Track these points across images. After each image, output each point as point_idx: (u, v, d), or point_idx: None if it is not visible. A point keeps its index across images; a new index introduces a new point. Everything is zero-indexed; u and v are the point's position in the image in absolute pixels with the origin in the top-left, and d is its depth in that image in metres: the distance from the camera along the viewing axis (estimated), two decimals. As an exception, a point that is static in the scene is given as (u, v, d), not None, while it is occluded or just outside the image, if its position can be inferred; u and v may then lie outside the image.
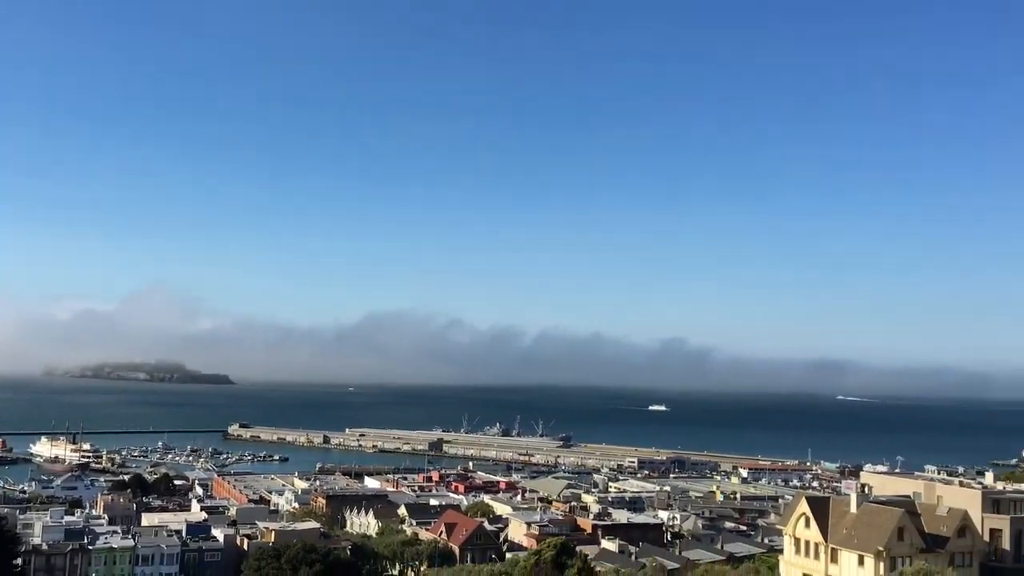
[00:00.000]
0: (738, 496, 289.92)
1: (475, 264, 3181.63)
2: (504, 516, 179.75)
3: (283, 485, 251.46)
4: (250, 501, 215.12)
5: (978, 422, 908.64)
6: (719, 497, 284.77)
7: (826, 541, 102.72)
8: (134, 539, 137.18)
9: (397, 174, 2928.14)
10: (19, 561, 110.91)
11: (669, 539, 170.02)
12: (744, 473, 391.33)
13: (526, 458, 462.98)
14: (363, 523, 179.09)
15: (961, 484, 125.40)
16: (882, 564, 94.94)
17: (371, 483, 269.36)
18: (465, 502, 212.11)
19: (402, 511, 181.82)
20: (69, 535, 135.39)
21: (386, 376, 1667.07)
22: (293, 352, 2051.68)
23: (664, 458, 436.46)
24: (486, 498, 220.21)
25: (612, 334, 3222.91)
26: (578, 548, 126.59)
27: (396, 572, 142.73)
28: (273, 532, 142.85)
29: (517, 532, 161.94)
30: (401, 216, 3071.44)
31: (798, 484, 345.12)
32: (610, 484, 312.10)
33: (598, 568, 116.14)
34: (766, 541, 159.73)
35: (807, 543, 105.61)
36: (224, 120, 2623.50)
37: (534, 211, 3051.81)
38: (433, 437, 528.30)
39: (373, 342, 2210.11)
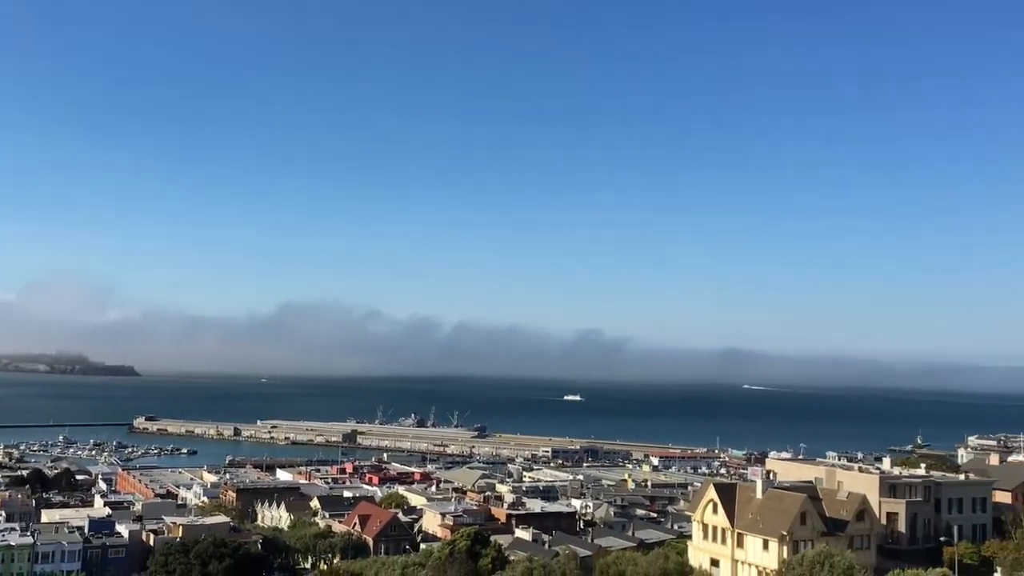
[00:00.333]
0: (649, 484, 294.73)
1: (394, 255, 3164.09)
2: (419, 507, 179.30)
3: (191, 479, 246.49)
4: (157, 496, 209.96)
5: (877, 410, 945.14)
6: (631, 485, 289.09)
7: (733, 526, 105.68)
8: (33, 536, 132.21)
9: (310, 164, 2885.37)
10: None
11: (582, 527, 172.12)
12: (655, 461, 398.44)
13: (441, 449, 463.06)
14: (275, 516, 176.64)
15: (860, 470, 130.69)
16: (785, 548, 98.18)
17: (283, 475, 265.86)
18: (379, 493, 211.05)
19: (315, 503, 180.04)
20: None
21: (301, 367, 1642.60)
22: (204, 343, 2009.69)
23: (577, 447, 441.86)
24: (400, 489, 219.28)
25: (529, 325, 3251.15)
26: (492, 537, 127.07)
27: (308, 565, 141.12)
28: (181, 527, 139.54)
29: (431, 523, 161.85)
30: (317, 207, 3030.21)
31: (707, 471, 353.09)
32: (524, 474, 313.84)
33: (512, 557, 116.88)
34: (676, 527, 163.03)
35: (715, 528, 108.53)
36: (134, 108, 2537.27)
37: (452, 203, 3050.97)
38: (347, 428, 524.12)
39: (289, 333, 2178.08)
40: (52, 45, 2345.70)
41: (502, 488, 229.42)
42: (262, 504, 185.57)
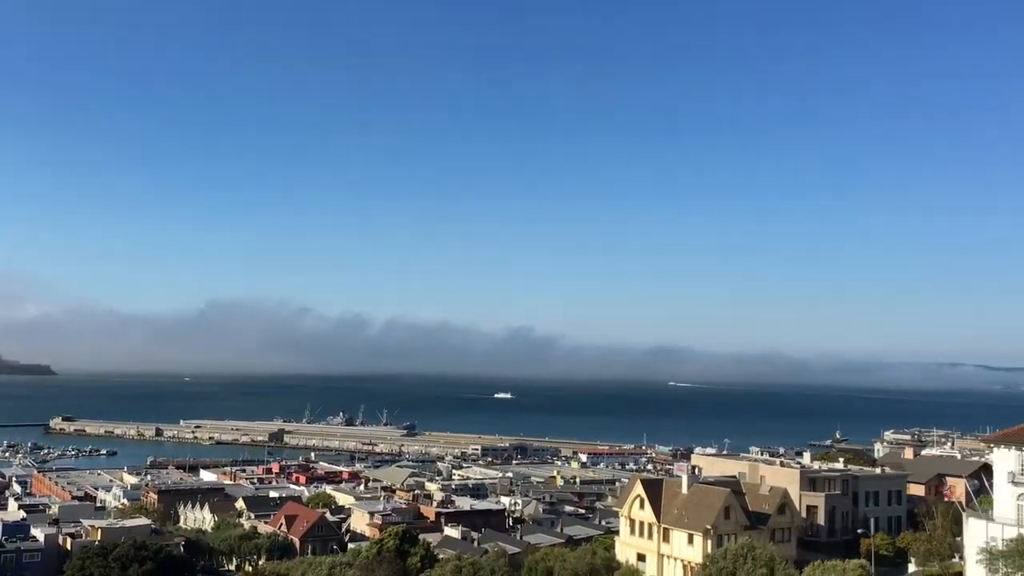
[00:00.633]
0: (577, 480, 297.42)
1: (325, 252, 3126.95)
2: (347, 506, 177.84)
3: (111, 481, 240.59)
4: (74, 498, 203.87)
5: (798, 406, 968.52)
6: (559, 482, 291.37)
7: (659, 521, 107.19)
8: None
9: (236, 158, 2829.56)
10: None
11: (511, 524, 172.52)
12: (583, 458, 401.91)
13: (370, 447, 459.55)
14: (198, 518, 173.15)
15: (782, 464, 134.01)
16: (709, 542, 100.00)
17: (207, 476, 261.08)
18: (306, 493, 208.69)
19: (240, 504, 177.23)
20: None
21: (228, 366, 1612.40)
22: (128, 341, 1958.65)
23: (507, 445, 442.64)
24: (328, 489, 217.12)
25: (460, 322, 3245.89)
26: (421, 536, 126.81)
27: (233, 567, 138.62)
28: (100, 530, 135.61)
29: (360, 522, 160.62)
30: (245, 203, 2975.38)
31: (634, 467, 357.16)
32: (454, 472, 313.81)
33: (440, 555, 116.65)
34: (603, 523, 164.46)
35: (642, 524, 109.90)
36: (60, 104, 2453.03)
37: (382, 199, 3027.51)
38: (274, 428, 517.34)
39: (216, 331, 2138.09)
40: None
41: (431, 486, 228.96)
42: (185, 506, 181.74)
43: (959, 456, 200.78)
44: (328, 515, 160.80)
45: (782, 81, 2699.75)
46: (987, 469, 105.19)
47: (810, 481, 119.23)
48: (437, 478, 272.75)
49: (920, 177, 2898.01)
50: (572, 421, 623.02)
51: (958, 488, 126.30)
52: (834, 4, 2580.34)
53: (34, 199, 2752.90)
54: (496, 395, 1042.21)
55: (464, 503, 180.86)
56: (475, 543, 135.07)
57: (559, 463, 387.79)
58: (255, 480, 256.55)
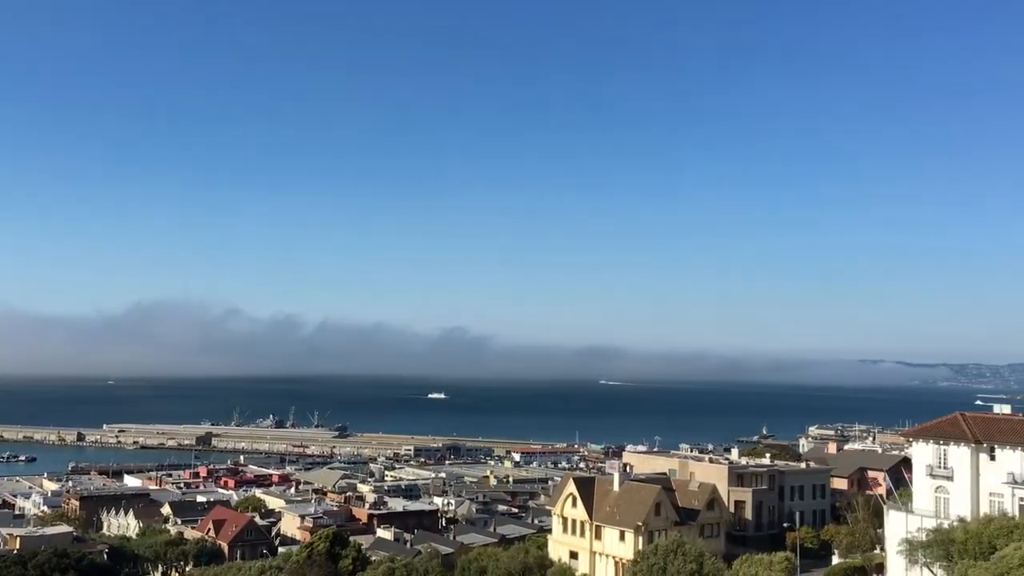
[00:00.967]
0: (511, 480, 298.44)
1: (255, 252, 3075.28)
2: (277, 510, 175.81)
3: (30, 487, 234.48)
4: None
5: (728, 403, 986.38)
6: (492, 481, 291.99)
7: (591, 519, 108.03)
8: None
9: (158, 152, 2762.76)
10: None
11: (444, 525, 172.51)
12: (517, 457, 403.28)
13: (301, 450, 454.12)
14: (122, 524, 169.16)
15: (711, 461, 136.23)
16: (641, 538, 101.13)
17: (132, 481, 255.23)
18: (235, 497, 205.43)
19: (166, 510, 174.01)
20: None
21: (154, 368, 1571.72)
22: (48, 343, 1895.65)
23: (440, 445, 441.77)
24: (258, 492, 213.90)
25: (395, 323, 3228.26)
26: (353, 538, 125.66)
27: (159, 574, 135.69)
28: (18, 538, 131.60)
29: (290, 525, 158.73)
30: (172, 202, 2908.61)
31: (567, 466, 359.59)
32: (386, 473, 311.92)
33: (373, 557, 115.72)
34: (537, 522, 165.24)
35: (574, 522, 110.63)
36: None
37: (317, 203, 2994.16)
38: (201, 431, 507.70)
39: (142, 332, 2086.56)
40: None
41: (363, 488, 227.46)
42: (108, 512, 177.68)
43: (880, 450, 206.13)
44: (258, 519, 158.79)
45: (693, 76, 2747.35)
46: (906, 463, 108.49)
47: (738, 477, 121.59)
48: (369, 479, 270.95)
49: (839, 178, 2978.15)
50: (505, 420, 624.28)
51: (879, 481, 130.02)
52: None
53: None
54: (430, 395, 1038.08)
55: (397, 504, 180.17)
56: (408, 544, 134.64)
57: (492, 463, 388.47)
58: (182, 485, 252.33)
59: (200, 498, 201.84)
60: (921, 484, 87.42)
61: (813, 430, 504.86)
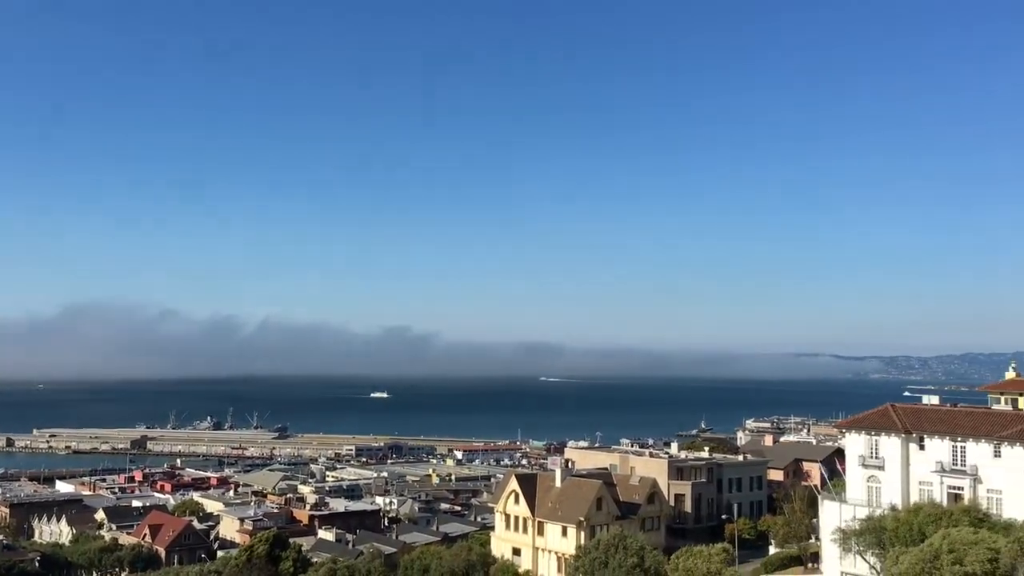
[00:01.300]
0: (453, 478, 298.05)
1: (191, 253, 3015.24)
2: (216, 513, 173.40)
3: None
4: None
5: (666, 397, 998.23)
6: (435, 480, 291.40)
7: (534, 515, 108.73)
8: None
9: (91, 146, 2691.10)
10: None
11: (386, 524, 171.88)
12: (459, 455, 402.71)
13: (240, 452, 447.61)
14: (55, 531, 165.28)
15: (651, 455, 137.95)
16: (582, 533, 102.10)
17: (64, 487, 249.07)
18: (172, 501, 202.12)
19: (100, 515, 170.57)
20: None
21: (86, 371, 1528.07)
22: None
23: (381, 444, 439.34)
24: (196, 496, 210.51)
25: (337, 322, 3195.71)
26: (293, 540, 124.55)
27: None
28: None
29: (229, 529, 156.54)
30: (105, 200, 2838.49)
31: (509, 463, 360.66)
32: (327, 473, 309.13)
33: (314, 559, 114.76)
34: (479, 520, 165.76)
35: (517, 518, 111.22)
36: None
37: (252, 197, 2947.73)
38: (136, 434, 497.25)
39: (72, 334, 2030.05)
40: None
41: (304, 489, 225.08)
42: (40, 519, 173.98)
43: (814, 442, 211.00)
44: (196, 523, 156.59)
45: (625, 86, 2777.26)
46: (840, 453, 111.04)
47: (677, 470, 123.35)
48: (310, 480, 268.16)
49: (770, 176, 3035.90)
50: (448, 418, 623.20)
51: (813, 472, 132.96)
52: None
53: None
54: (372, 394, 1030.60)
55: (338, 505, 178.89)
56: (350, 545, 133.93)
57: (434, 461, 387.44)
58: (116, 490, 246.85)
59: (136, 503, 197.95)
60: (854, 474, 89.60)
61: (750, 423, 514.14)
